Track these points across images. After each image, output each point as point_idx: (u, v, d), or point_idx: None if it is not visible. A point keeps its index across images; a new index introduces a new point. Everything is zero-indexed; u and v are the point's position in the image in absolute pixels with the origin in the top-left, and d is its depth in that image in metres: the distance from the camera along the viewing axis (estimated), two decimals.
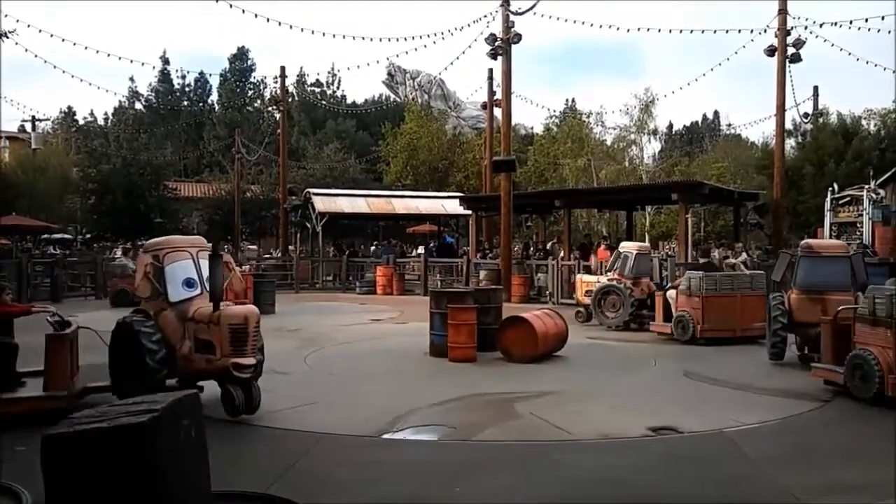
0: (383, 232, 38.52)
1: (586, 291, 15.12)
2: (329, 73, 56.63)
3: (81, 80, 33.07)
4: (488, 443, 6.65)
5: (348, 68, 75.35)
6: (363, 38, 33.73)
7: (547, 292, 19.53)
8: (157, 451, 1.72)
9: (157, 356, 7.06)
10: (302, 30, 21.83)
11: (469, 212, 25.97)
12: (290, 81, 34.86)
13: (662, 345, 12.40)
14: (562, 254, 21.43)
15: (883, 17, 19.92)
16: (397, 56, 52.43)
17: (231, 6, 17.89)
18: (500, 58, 16.61)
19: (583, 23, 34.88)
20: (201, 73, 58.40)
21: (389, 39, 38.31)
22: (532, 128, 49.36)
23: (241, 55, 60.05)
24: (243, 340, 7.06)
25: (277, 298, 18.08)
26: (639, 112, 38.67)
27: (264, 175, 40.18)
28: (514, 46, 16.31)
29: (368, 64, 36.70)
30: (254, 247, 33.62)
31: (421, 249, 27.48)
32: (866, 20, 19.13)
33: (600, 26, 38.84)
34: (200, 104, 59.53)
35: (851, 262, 10.01)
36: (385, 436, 6.74)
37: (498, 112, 24.16)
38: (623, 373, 10.11)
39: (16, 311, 7.17)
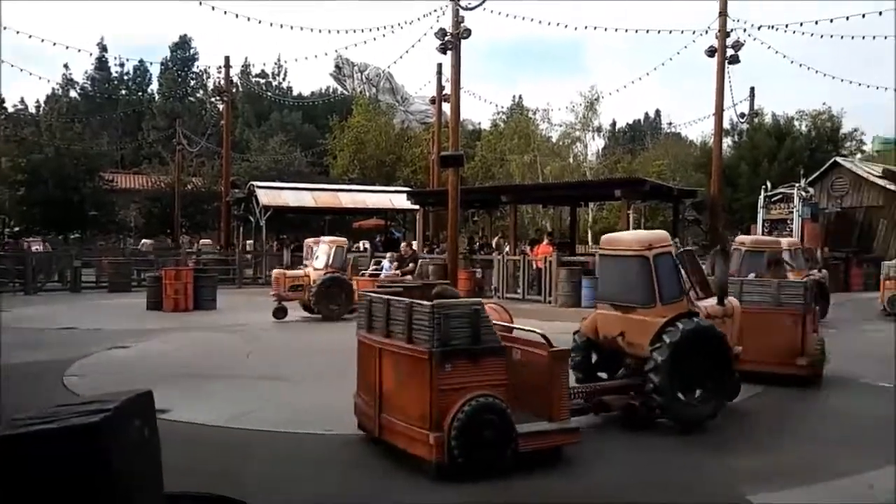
0: (329, 226, 38.12)
1: (292, 286, 14.93)
2: (275, 63, 55.56)
3: (12, 66, 31.68)
4: None
5: (295, 60, 74.41)
6: (311, 30, 33.26)
7: (492, 287, 19.71)
8: (109, 451, 1.69)
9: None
10: (249, 19, 21.27)
11: (417, 206, 25.96)
12: (235, 72, 34.08)
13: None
14: (507, 248, 21.66)
15: (816, 22, 20.88)
16: (346, 48, 51.86)
17: None
18: (449, 52, 16.61)
19: (531, 20, 35.26)
20: (141, 62, 56.54)
21: (338, 31, 38.00)
22: (479, 123, 49.67)
23: (183, 44, 58.35)
24: None
25: (218, 294, 17.70)
26: (584, 109, 39.43)
27: (206, 167, 39.17)
28: (463, 42, 16.34)
29: (316, 56, 36.33)
30: (209, 241, 32.82)
31: (362, 245, 27.29)
32: (801, 24, 19.99)
33: (548, 24, 39.68)
34: (139, 93, 57.61)
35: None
36: None
37: (446, 107, 24.20)
38: None
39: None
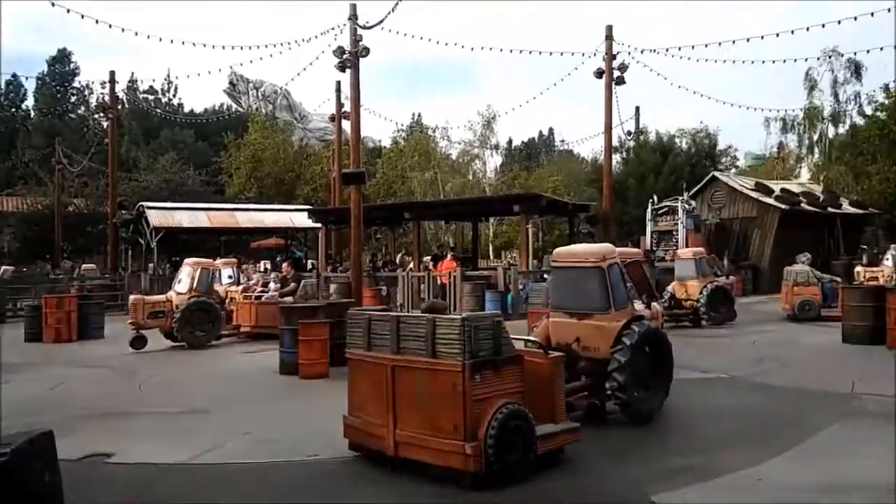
0: (225, 247, 36.85)
1: (152, 313, 13.98)
2: (165, 79, 53.39)
3: None
4: None
5: (187, 76, 71.55)
6: (204, 45, 31.99)
7: (398, 304, 19.68)
8: (6, 501, 1.55)
9: None
10: (136, 33, 20.23)
11: (318, 225, 25.57)
12: (121, 87, 32.40)
13: None
14: (411, 265, 21.72)
15: (693, 47, 22.49)
16: (241, 65, 50.60)
17: (53, 5, 16.18)
18: (348, 70, 16.54)
19: (429, 40, 35.85)
20: (14, 76, 52.70)
21: (232, 47, 36.22)
22: (380, 141, 49.68)
23: (62, 57, 54.96)
24: None
25: (107, 321, 16.61)
26: (481, 128, 40.36)
27: (90, 188, 36.90)
28: (362, 60, 16.31)
29: (210, 72, 34.73)
30: (92, 266, 30.74)
31: (262, 265, 26.56)
32: (679, 48, 21.44)
33: (446, 44, 40.47)
34: (13, 110, 53.72)
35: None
36: None
37: (346, 124, 24.06)
38: None
39: None
